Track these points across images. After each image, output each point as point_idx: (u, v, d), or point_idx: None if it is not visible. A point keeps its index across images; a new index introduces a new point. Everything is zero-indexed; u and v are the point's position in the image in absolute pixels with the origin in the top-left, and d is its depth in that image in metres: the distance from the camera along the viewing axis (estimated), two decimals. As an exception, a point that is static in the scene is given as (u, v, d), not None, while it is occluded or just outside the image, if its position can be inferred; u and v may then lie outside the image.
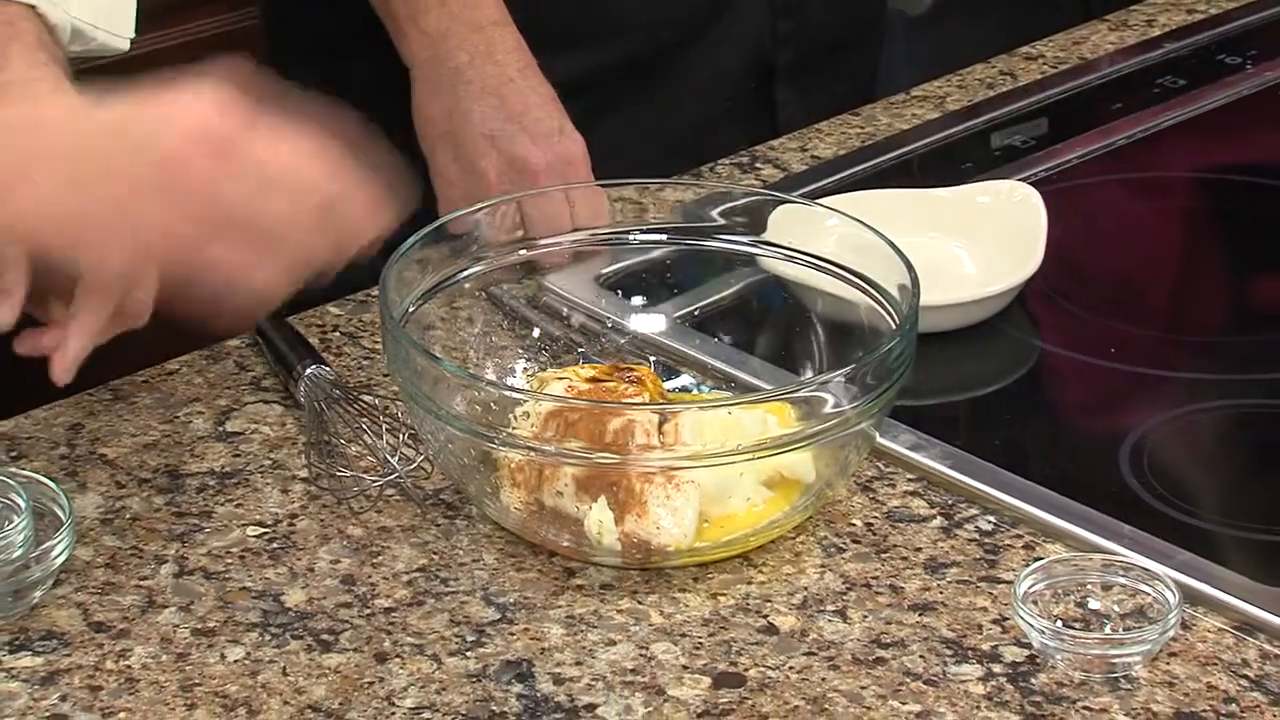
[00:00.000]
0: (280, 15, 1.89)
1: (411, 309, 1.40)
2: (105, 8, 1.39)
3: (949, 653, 1.26)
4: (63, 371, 1.30)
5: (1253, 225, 1.73)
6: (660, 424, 1.29)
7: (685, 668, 1.25)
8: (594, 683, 1.24)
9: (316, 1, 1.80)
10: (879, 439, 1.38)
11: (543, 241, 1.49)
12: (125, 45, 1.41)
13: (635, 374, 1.38)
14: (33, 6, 1.32)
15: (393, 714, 1.22)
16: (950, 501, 1.39)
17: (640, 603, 1.31)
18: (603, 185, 1.50)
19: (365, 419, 1.41)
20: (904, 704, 1.23)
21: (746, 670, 1.25)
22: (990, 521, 1.37)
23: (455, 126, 1.61)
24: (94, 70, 1.34)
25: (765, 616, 1.30)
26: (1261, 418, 1.49)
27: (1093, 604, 1.28)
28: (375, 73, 1.67)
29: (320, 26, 1.81)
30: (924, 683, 1.24)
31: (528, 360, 1.47)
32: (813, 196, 1.63)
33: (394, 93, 1.64)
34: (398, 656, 1.26)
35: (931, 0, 2.59)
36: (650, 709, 1.22)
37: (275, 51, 1.88)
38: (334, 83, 1.73)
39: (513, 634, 1.28)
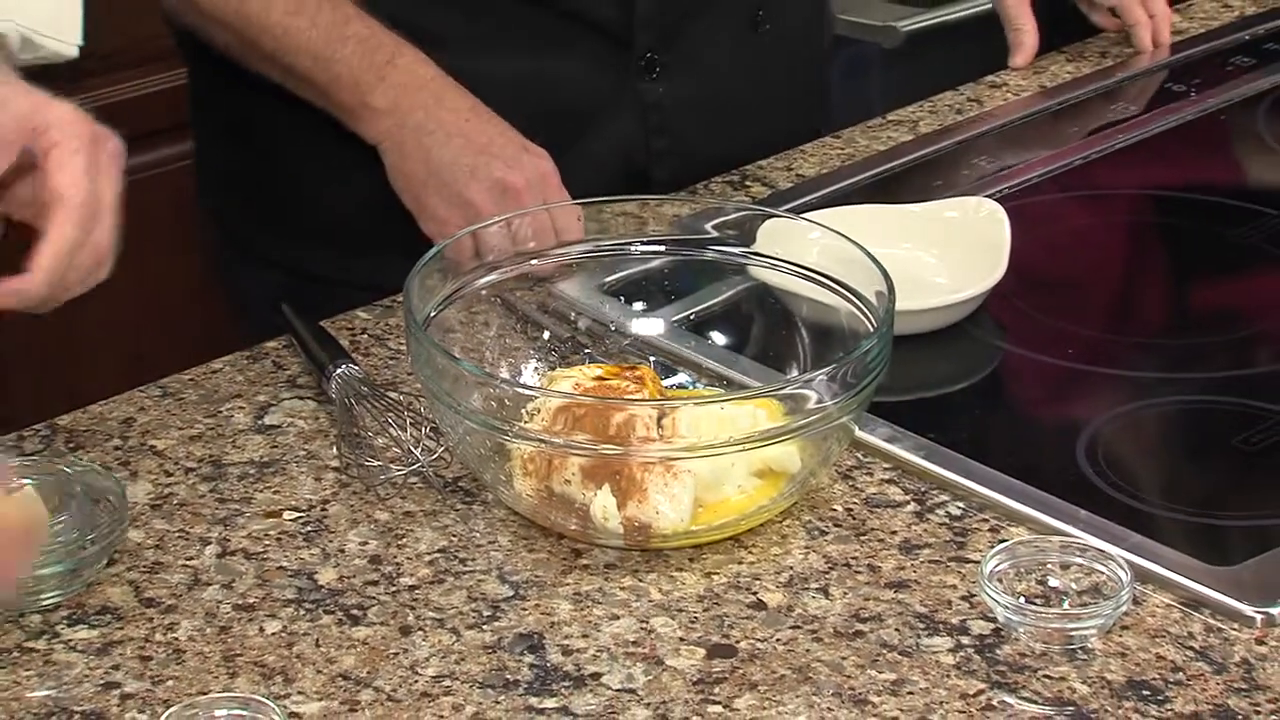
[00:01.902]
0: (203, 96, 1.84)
1: (433, 314, 1.40)
2: (52, 16, 1.37)
3: (921, 626, 1.26)
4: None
5: (1194, 238, 1.73)
6: (659, 418, 1.29)
7: (682, 640, 1.25)
8: (599, 653, 1.24)
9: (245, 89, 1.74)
10: (858, 432, 1.38)
11: (553, 253, 1.49)
12: (74, 52, 1.38)
13: (636, 373, 1.38)
14: None
15: (416, 682, 1.22)
16: (923, 489, 1.38)
17: (641, 581, 1.30)
18: (608, 201, 1.50)
19: (391, 414, 1.41)
20: (881, 673, 1.22)
21: (738, 642, 1.25)
22: (959, 507, 1.37)
23: (434, 172, 1.60)
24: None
25: (755, 593, 1.29)
26: (1202, 412, 1.48)
27: (1052, 582, 1.28)
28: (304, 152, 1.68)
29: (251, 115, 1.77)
30: (899, 653, 1.24)
31: (538, 360, 1.47)
32: (797, 211, 1.63)
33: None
34: (420, 629, 1.26)
35: (904, 35, 2.60)
36: (650, 677, 1.22)
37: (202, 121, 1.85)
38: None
39: (525, 609, 1.28)
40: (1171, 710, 1.20)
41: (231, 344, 1.56)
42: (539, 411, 1.32)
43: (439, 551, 1.33)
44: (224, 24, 1.62)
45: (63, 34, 1.38)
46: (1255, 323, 1.61)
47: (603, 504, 1.30)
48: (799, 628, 1.26)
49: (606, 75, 1.71)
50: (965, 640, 1.25)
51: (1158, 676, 1.22)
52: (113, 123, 1.35)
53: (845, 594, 1.29)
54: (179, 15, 1.66)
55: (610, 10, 1.69)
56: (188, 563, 1.32)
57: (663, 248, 1.50)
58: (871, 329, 1.37)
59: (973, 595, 1.28)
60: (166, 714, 1.15)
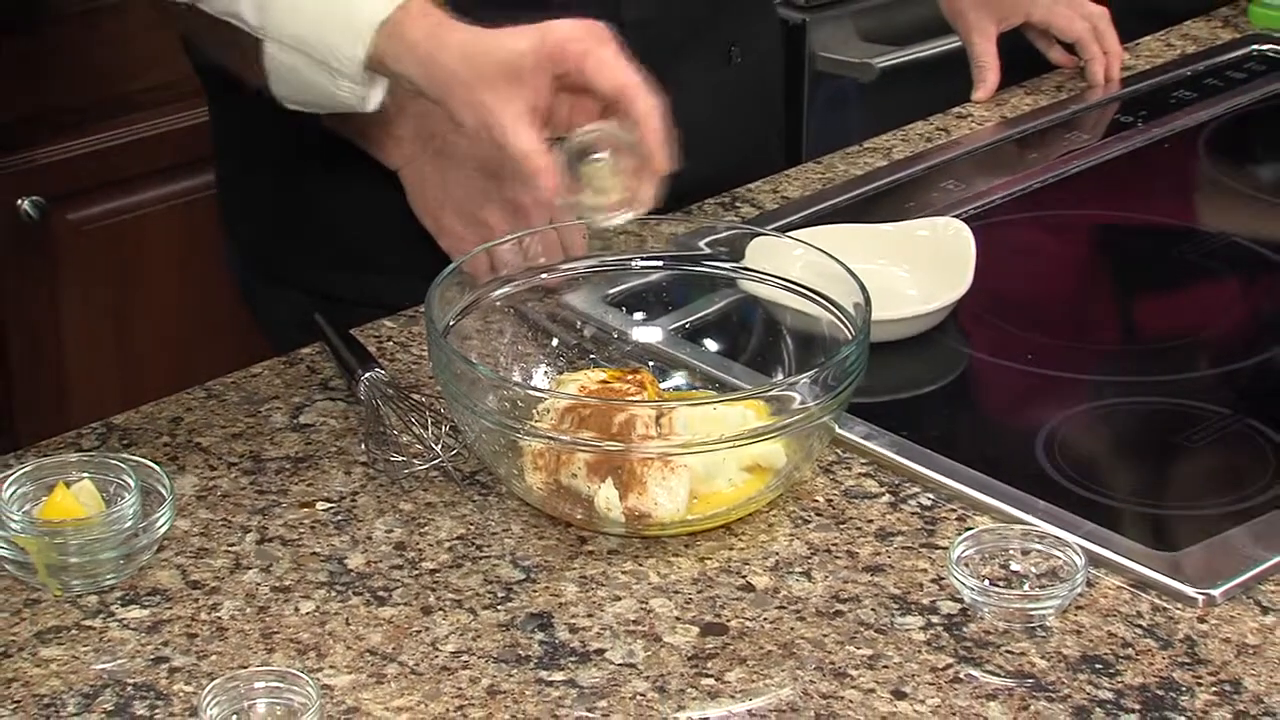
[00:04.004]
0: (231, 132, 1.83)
1: (452, 322, 1.40)
2: None
3: (895, 606, 1.26)
4: None
5: (1141, 255, 1.72)
6: (658, 418, 1.29)
7: (678, 619, 1.25)
8: (603, 631, 1.23)
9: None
10: (838, 430, 1.38)
11: (561, 267, 1.49)
12: None
13: (637, 377, 1.38)
14: None
15: (436, 657, 1.21)
16: (897, 481, 1.38)
17: (640, 565, 1.30)
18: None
19: (414, 413, 1.41)
20: (858, 649, 1.22)
21: (729, 621, 1.24)
22: (929, 498, 1.36)
23: (451, 195, 1.59)
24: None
25: (744, 577, 1.29)
26: (1149, 412, 1.48)
27: (1014, 566, 1.28)
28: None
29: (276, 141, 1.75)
30: (875, 631, 1.23)
31: (548, 365, 1.46)
32: (783, 230, 1.62)
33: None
34: (440, 609, 1.25)
35: (879, 71, 2.59)
36: (649, 653, 1.22)
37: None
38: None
39: (535, 591, 1.27)
40: (1122, 682, 1.19)
41: (267, 352, 1.56)
42: (548, 412, 1.32)
43: (457, 538, 1.32)
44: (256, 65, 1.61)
45: None
46: (1196, 332, 1.60)
47: (606, 496, 1.29)
48: (784, 608, 1.26)
49: None
50: (935, 619, 1.25)
51: (1109, 652, 1.22)
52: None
53: (826, 577, 1.28)
54: (214, 56, 1.65)
55: None
56: (230, 549, 1.31)
57: (660, 263, 1.50)
58: (850, 337, 1.37)
59: (942, 578, 1.28)
60: (210, 686, 1.15)
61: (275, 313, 1.78)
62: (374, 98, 1.37)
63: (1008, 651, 1.22)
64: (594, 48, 1.30)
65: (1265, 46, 2.07)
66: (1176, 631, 1.24)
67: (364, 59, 1.33)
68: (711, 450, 1.30)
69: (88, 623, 1.25)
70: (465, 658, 1.21)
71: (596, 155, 1.32)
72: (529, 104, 1.29)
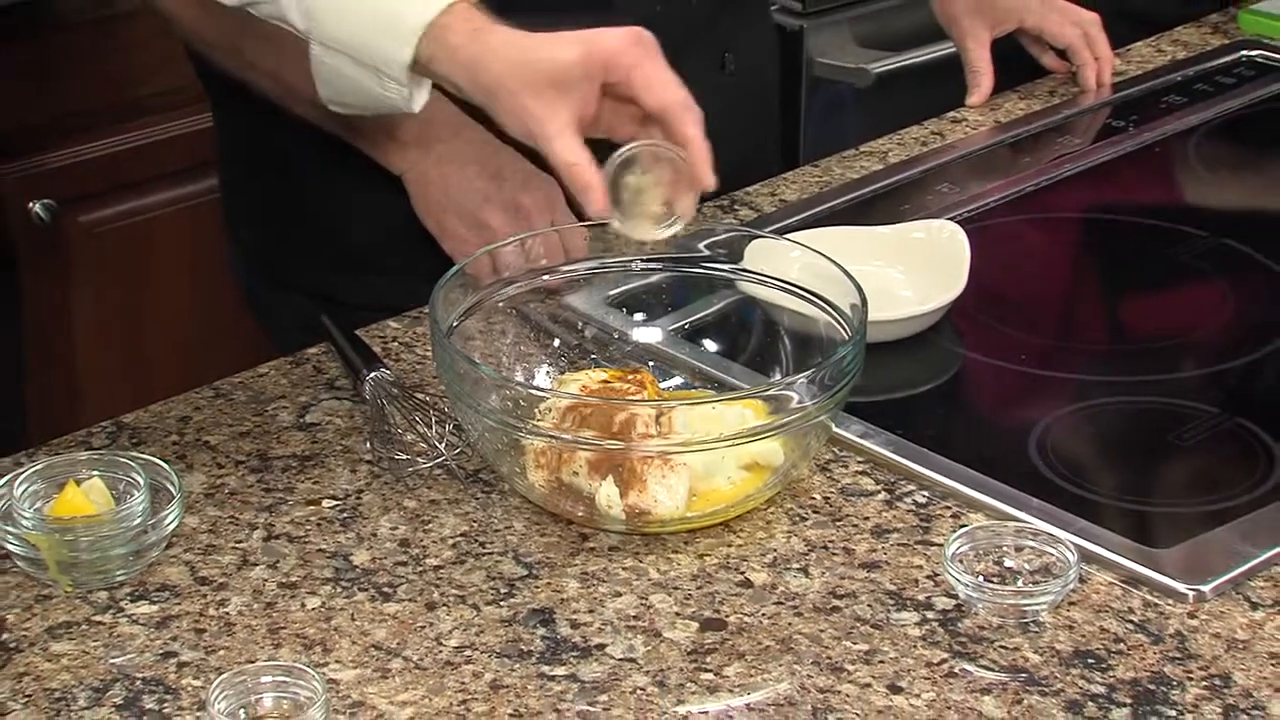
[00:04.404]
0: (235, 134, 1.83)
1: (456, 323, 1.40)
2: None
3: (891, 602, 1.25)
4: None
5: (1133, 256, 1.72)
6: (657, 417, 1.29)
7: (677, 614, 1.24)
8: (603, 626, 1.23)
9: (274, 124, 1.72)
10: (835, 429, 1.38)
11: (563, 269, 1.49)
12: None
13: (637, 376, 1.38)
14: None
15: (440, 652, 1.21)
16: (892, 479, 1.38)
17: (641, 561, 1.30)
18: (608, 223, 1.49)
19: (418, 413, 1.41)
20: (855, 644, 1.22)
21: (727, 617, 1.24)
22: (925, 495, 1.36)
23: (454, 197, 1.60)
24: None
25: (742, 573, 1.28)
26: (1141, 412, 1.48)
27: (1008, 562, 1.28)
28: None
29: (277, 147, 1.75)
30: (871, 626, 1.23)
31: (550, 365, 1.46)
32: (780, 232, 1.62)
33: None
34: (444, 605, 1.25)
35: (875, 77, 2.60)
36: (649, 648, 1.22)
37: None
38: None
39: (538, 587, 1.27)
40: (1114, 677, 1.19)
41: (274, 353, 1.55)
42: (550, 411, 1.32)
43: (461, 535, 1.32)
44: (265, 73, 1.61)
45: None
46: (1187, 332, 1.60)
47: (607, 493, 1.29)
48: (782, 604, 1.26)
49: None
50: (930, 615, 1.24)
51: (1101, 647, 1.22)
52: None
53: (823, 573, 1.28)
54: (221, 64, 1.65)
55: None
56: (237, 545, 1.31)
57: (660, 264, 1.49)
58: (846, 337, 1.37)
59: (937, 574, 1.28)
60: (218, 680, 1.15)
61: (279, 316, 1.77)
62: (420, 99, 1.37)
63: (1001, 646, 1.22)
64: (642, 60, 1.30)
65: (1254, 52, 2.07)
66: (1167, 627, 1.23)
67: (409, 61, 1.33)
68: (710, 449, 1.29)
69: (98, 618, 1.25)
70: (468, 653, 1.21)
71: (641, 171, 1.31)
72: (575, 113, 1.29)
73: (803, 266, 1.44)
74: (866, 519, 1.34)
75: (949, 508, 1.35)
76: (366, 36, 1.34)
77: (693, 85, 1.76)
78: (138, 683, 1.19)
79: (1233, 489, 1.37)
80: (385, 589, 1.27)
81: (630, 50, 1.30)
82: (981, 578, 1.26)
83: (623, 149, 1.31)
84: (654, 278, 1.51)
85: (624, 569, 1.29)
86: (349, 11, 1.34)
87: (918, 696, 1.18)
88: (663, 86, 1.29)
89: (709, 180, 1.30)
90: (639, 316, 1.52)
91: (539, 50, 1.30)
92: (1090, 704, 1.17)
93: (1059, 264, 1.76)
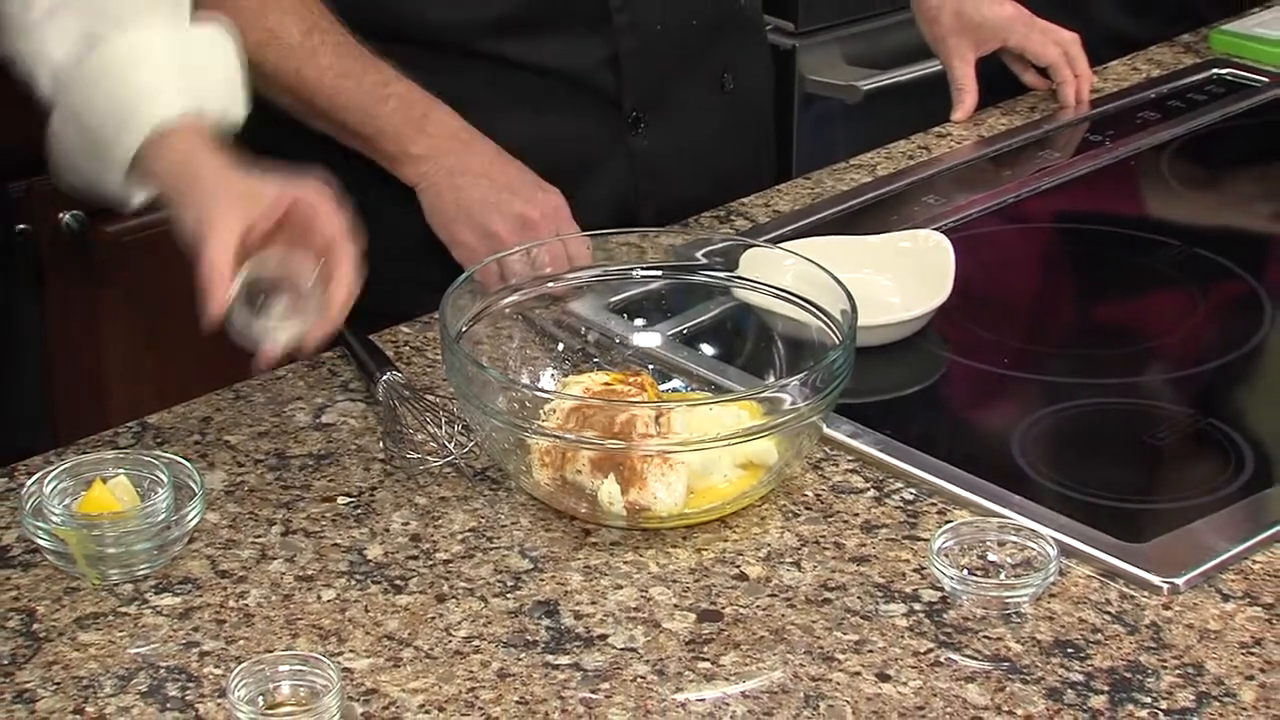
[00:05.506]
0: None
1: (464, 328, 1.39)
2: (230, 93, 1.40)
3: (880, 594, 1.25)
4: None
5: (1110, 265, 1.72)
6: (657, 418, 1.28)
7: (676, 606, 1.24)
8: (605, 618, 1.23)
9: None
10: (826, 429, 1.37)
11: (567, 276, 1.49)
12: (243, 114, 1.42)
13: (638, 379, 1.38)
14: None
15: (450, 642, 1.21)
16: (881, 477, 1.37)
17: (641, 556, 1.29)
18: (613, 233, 1.49)
19: (429, 413, 1.40)
20: (845, 634, 1.21)
21: (724, 608, 1.24)
22: (912, 493, 1.36)
23: (464, 208, 1.59)
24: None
25: (738, 566, 1.28)
26: (1118, 413, 1.48)
27: (991, 556, 1.27)
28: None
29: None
30: (860, 618, 1.23)
31: (554, 368, 1.46)
32: (774, 242, 1.62)
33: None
34: (454, 597, 1.25)
35: (864, 93, 2.59)
36: (649, 638, 1.21)
37: None
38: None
39: (543, 580, 1.27)
40: (1092, 665, 1.19)
41: (291, 356, 1.55)
42: (554, 412, 1.31)
43: (469, 531, 1.32)
44: (285, 88, 1.61)
45: (236, 103, 1.41)
46: (1162, 336, 1.60)
47: (609, 491, 1.29)
48: (776, 596, 1.25)
49: (602, 131, 1.71)
50: (917, 606, 1.24)
51: (1080, 637, 1.21)
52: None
53: (815, 567, 1.28)
54: None
55: (605, 78, 1.69)
56: (256, 540, 1.31)
57: (660, 272, 1.49)
58: (837, 342, 1.36)
59: (923, 568, 1.27)
60: (238, 669, 1.14)
61: None
62: (136, 198, 1.38)
63: (985, 637, 1.22)
64: (322, 201, 1.33)
65: (1225, 70, 2.07)
66: (1143, 618, 1.23)
67: (131, 152, 1.35)
68: (708, 448, 1.29)
69: (123, 609, 1.24)
70: (477, 643, 1.21)
71: (276, 292, 1.34)
72: (245, 226, 1.30)
73: (795, 274, 1.43)
74: (856, 515, 1.33)
75: (935, 504, 1.34)
76: (101, 124, 1.36)
77: (694, 103, 1.77)
78: (161, 671, 1.19)
79: (1205, 486, 1.37)
80: (397, 582, 1.27)
81: (315, 191, 1.34)
82: (966, 571, 1.25)
83: (255, 260, 1.33)
84: (654, 285, 1.50)
85: (625, 563, 1.29)
86: (93, 95, 1.36)
87: (905, 684, 1.17)
88: (330, 220, 1.33)
89: (334, 321, 1.32)
90: (639, 322, 1.52)
91: (244, 172, 1.33)
92: (1070, 691, 1.17)
93: (1039, 272, 1.75)
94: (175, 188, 1.34)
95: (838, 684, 1.18)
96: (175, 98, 1.35)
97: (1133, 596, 1.25)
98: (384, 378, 1.44)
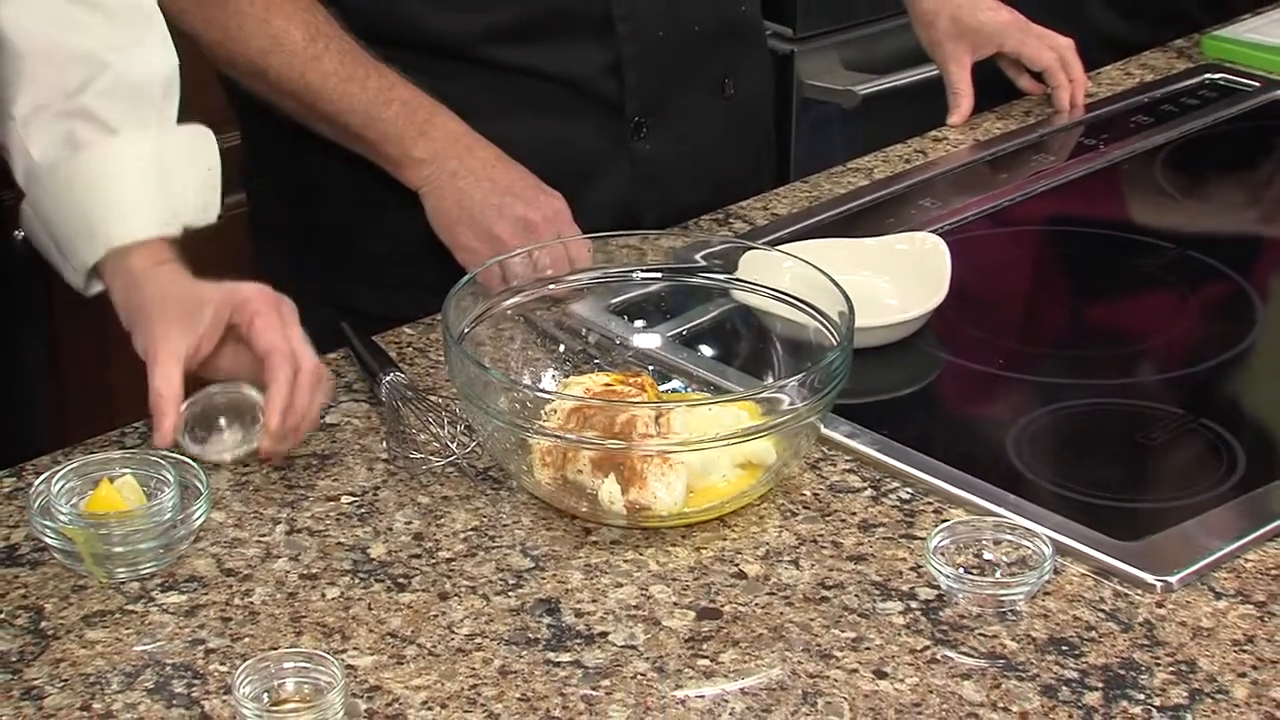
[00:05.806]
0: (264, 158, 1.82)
1: (466, 330, 1.39)
2: (204, 204, 1.44)
3: (877, 592, 1.25)
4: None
5: (1104, 267, 1.72)
6: (657, 418, 1.28)
7: (676, 604, 1.24)
8: (606, 615, 1.23)
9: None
10: (824, 429, 1.37)
11: (568, 279, 1.48)
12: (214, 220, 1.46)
13: (638, 380, 1.38)
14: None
15: (452, 639, 1.21)
16: (878, 477, 1.37)
17: (641, 554, 1.29)
18: (613, 236, 1.49)
19: (432, 414, 1.40)
20: (843, 632, 1.21)
21: (723, 606, 1.24)
22: (908, 492, 1.36)
23: (467, 211, 1.59)
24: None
25: (737, 565, 1.28)
26: (1111, 413, 1.48)
27: (986, 555, 1.27)
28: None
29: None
30: (858, 615, 1.23)
31: (555, 369, 1.46)
32: (773, 244, 1.62)
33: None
34: (456, 595, 1.25)
35: (861, 98, 2.59)
36: (649, 636, 1.21)
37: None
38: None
39: (544, 578, 1.27)
40: (1086, 662, 1.19)
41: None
42: (555, 412, 1.31)
43: (472, 530, 1.32)
44: (289, 93, 1.61)
45: (209, 210, 1.44)
46: (1155, 338, 1.60)
47: (609, 490, 1.29)
48: (774, 594, 1.25)
49: (604, 137, 1.71)
50: (914, 604, 1.24)
51: (1075, 634, 1.21)
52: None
53: (813, 565, 1.28)
54: (247, 85, 1.65)
55: (607, 84, 1.69)
56: (261, 539, 1.31)
57: (660, 275, 1.49)
58: (835, 343, 1.36)
59: (920, 566, 1.27)
60: (243, 666, 1.14)
61: (301, 323, 1.77)
62: (92, 289, 1.42)
63: (981, 634, 1.22)
64: (266, 310, 1.36)
65: (1217, 75, 2.07)
66: (1136, 616, 1.23)
67: (90, 266, 1.39)
68: (707, 448, 1.29)
69: (130, 607, 1.24)
70: (479, 640, 1.21)
71: (222, 415, 1.38)
72: (189, 345, 1.34)
73: (794, 276, 1.43)
74: (854, 514, 1.33)
75: (931, 503, 1.34)
76: (67, 228, 1.39)
77: (695, 109, 1.77)
78: (167, 668, 1.19)
79: (1198, 486, 1.37)
80: (400, 580, 1.27)
81: (259, 299, 1.36)
82: (962, 569, 1.25)
83: (205, 392, 1.38)
84: (653, 287, 1.50)
85: (625, 561, 1.29)
86: (63, 200, 1.39)
87: (902, 681, 1.18)
88: (272, 332, 1.35)
89: (273, 423, 1.33)
90: (639, 323, 1.52)
91: (188, 288, 1.36)
92: (1064, 688, 1.17)
93: (1034, 274, 1.75)
94: (126, 308, 1.38)
95: (835, 681, 1.18)
96: (144, 220, 1.38)
97: (1126, 594, 1.25)
98: (387, 378, 1.44)
